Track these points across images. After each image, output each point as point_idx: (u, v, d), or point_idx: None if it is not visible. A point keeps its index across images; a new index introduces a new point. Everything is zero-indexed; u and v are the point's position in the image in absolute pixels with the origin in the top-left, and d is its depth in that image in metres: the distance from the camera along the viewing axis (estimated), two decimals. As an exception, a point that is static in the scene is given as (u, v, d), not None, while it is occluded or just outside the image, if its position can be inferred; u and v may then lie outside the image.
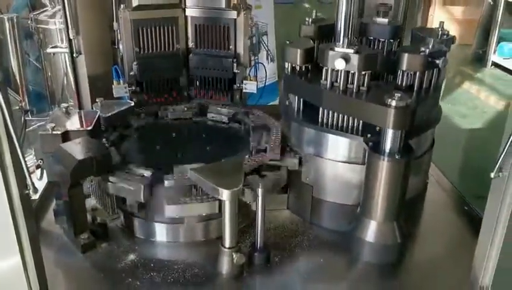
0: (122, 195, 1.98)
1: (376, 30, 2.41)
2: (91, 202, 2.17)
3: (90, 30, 2.63)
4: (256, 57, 4.70)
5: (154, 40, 2.62)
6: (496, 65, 7.59)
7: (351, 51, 1.91)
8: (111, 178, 1.95)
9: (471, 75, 7.46)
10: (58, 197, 2.03)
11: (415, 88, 2.01)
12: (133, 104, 2.44)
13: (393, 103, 1.77)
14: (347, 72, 1.95)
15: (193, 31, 2.68)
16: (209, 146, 2.34)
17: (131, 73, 2.59)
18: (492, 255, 1.68)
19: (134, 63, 2.58)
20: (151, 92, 2.67)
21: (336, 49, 1.94)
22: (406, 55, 1.97)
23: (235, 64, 2.63)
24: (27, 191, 1.46)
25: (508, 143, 1.51)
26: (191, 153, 2.29)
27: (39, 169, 2.05)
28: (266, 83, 4.83)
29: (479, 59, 7.81)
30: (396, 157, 1.83)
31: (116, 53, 2.79)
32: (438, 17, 8.79)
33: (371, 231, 1.95)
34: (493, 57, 7.59)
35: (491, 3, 7.50)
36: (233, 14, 2.59)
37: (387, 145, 1.85)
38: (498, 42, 7.50)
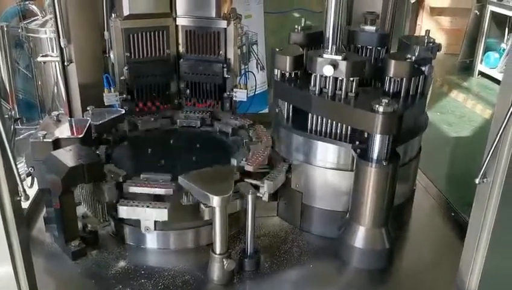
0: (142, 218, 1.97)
1: (364, 38, 2.46)
2: (82, 210, 2.17)
3: (82, 39, 2.65)
4: (246, 66, 4.74)
5: (144, 46, 2.63)
6: (483, 74, 7.69)
7: (339, 57, 1.95)
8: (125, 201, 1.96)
9: (458, 84, 7.56)
10: (48, 205, 2.03)
11: (402, 94, 2.05)
12: (124, 111, 2.45)
13: (381, 109, 1.81)
14: (335, 79, 1.99)
15: (184, 37, 2.70)
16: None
17: (122, 78, 2.59)
18: (478, 259, 1.71)
19: (125, 68, 2.58)
20: (142, 100, 2.68)
21: (325, 56, 1.98)
22: (392, 62, 2.01)
23: (225, 70, 2.65)
24: (18, 198, 1.46)
25: (492, 150, 1.54)
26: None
27: (30, 177, 2.04)
28: (256, 92, 4.86)
29: (466, 68, 7.92)
30: (384, 163, 1.87)
31: (107, 62, 2.80)
32: (425, 26, 8.91)
33: (360, 236, 1.97)
34: (480, 67, 7.70)
35: (477, 13, 7.62)
36: (223, 23, 2.61)
37: (375, 152, 1.88)
38: (484, 52, 7.62)
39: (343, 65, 1.94)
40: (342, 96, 1.99)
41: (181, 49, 2.73)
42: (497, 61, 7.44)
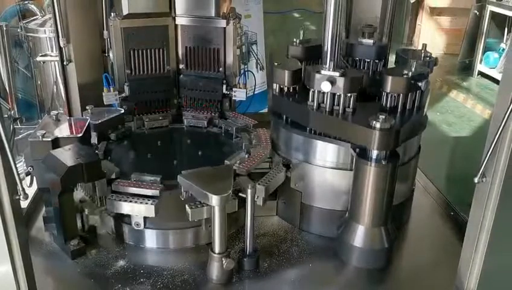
0: (132, 213, 1.98)
1: (362, 51, 2.48)
2: (79, 194, 2.16)
3: (81, 38, 2.64)
4: (245, 66, 4.74)
5: (145, 62, 2.64)
6: (482, 74, 7.69)
7: (336, 74, 1.96)
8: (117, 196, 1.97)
9: (458, 84, 7.56)
10: (47, 204, 2.03)
11: (399, 109, 2.05)
12: (123, 111, 2.46)
13: (378, 125, 1.82)
14: (333, 94, 2.00)
15: (183, 53, 2.71)
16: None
17: (123, 94, 2.61)
18: (477, 259, 1.71)
19: (126, 84, 2.61)
20: (141, 107, 2.69)
21: (322, 72, 1.98)
22: (389, 78, 2.01)
23: (224, 86, 2.66)
24: (18, 197, 1.46)
25: (491, 149, 1.54)
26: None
27: (29, 176, 2.04)
28: (256, 92, 4.87)
29: (465, 68, 7.92)
30: (383, 163, 1.87)
31: (106, 61, 2.80)
32: (425, 26, 8.93)
33: (359, 236, 1.97)
34: (479, 67, 7.70)
35: (477, 13, 7.62)
36: (222, 23, 2.61)
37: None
38: (484, 52, 7.61)
39: (340, 81, 1.95)
40: (340, 112, 2.00)
41: (181, 65, 2.74)
42: (497, 61, 7.44)
